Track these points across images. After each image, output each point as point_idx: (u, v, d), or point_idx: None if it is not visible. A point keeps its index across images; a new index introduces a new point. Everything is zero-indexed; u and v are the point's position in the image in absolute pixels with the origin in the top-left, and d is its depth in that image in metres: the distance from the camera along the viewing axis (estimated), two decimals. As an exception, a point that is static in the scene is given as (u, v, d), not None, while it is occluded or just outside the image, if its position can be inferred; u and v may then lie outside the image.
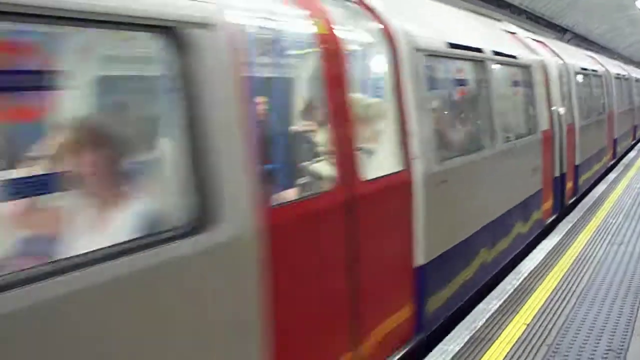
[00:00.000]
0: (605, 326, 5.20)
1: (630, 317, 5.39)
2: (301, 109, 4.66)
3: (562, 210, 10.39)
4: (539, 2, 19.23)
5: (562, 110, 10.20)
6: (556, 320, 5.36)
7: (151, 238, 2.58)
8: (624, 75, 20.13)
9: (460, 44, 6.17)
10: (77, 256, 2.28)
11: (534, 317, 5.49)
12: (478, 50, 6.67)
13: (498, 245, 6.96)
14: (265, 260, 3.09)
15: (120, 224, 2.71)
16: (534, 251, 7.90)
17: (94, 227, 2.73)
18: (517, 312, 5.62)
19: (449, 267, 5.54)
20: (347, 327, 4.00)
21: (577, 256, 7.56)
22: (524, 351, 4.78)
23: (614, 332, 5.08)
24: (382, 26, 4.83)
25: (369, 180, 4.18)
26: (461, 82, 7.02)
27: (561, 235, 8.61)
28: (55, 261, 2.28)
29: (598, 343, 4.87)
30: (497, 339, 5.01)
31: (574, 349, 4.77)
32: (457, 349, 4.82)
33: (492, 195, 6.77)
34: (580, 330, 5.13)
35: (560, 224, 9.46)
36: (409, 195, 4.76)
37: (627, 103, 20.18)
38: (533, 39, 10.56)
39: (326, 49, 4.00)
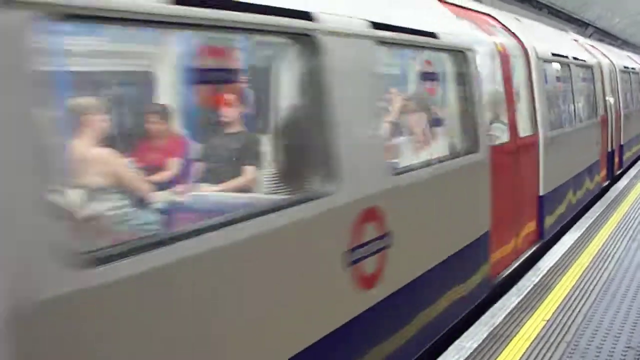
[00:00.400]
0: (624, 324, 5.27)
1: (650, 314, 5.46)
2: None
3: (612, 178, 13.31)
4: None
5: (612, 100, 13.38)
6: (575, 317, 5.43)
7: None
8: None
9: (557, 53, 9.44)
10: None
11: (553, 313, 5.55)
12: (565, 57, 9.97)
13: (577, 193, 10.00)
14: (490, 171, 5.84)
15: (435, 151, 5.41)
16: (554, 247, 7.96)
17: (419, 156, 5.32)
18: (536, 309, 5.68)
19: (556, 198, 8.62)
20: (515, 224, 7.12)
21: (597, 252, 7.62)
22: (542, 348, 4.85)
23: (634, 329, 5.14)
24: (520, 45, 7.81)
25: (521, 137, 7.20)
26: (558, 79, 9.78)
27: (582, 231, 8.67)
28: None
29: (617, 340, 4.94)
30: (515, 335, 5.09)
31: (592, 346, 4.85)
32: (475, 345, 4.90)
33: (575, 156, 9.98)
34: (599, 327, 5.20)
35: (581, 219, 9.52)
36: (537, 149, 7.76)
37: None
38: (589, 44, 13.86)
39: (504, 58, 7.12)
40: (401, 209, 4.21)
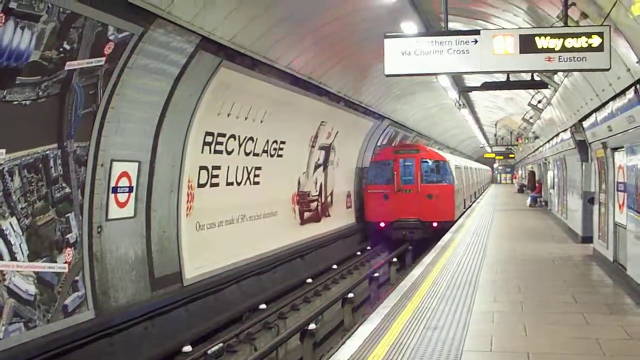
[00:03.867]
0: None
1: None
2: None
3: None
4: (356, 93, 22.98)
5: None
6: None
7: None
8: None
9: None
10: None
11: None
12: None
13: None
14: None
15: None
16: (352, 338, 8.91)
17: None
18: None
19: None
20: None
21: (393, 343, 8.65)
22: None
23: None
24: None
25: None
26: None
27: (377, 322, 9.75)
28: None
29: None
30: None
31: None
32: None
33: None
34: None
35: (378, 309, 10.69)
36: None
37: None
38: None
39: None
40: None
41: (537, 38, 8.78)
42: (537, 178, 41.03)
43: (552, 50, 8.71)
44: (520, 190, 56.82)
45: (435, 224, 26.74)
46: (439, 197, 27.32)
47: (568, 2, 9.39)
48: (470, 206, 39.14)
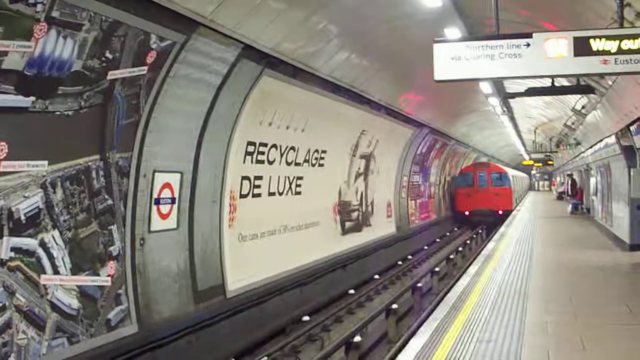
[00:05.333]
0: None
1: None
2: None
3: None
4: (396, 101, 22.69)
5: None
6: None
7: None
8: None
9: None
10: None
11: None
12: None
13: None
14: None
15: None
16: (403, 353, 8.58)
17: None
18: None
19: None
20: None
21: (446, 357, 8.30)
22: None
23: None
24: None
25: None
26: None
27: (428, 335, 9.39)
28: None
29: None
30: None
31: None
32: None
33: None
34: None
35: (426, 322, 10.33)
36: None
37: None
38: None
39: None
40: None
41: (592, 40, 8.36)
42: (578, 185, 40.30)
43: (608, 53, 8.29)
44: (560, 197, 55.96)
45: (500, 212, 40.25)
46: (502, 194, 42.09)
47: (624, 2, 8.96)
48: (519, 203, 52.61)
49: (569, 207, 38.60)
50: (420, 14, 14.16)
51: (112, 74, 9.13)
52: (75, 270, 9.07)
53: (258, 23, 11.37)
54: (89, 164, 9.26)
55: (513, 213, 39.98)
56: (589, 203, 33.74)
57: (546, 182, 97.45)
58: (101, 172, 9.51)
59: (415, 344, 8.99)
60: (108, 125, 9.42)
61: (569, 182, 42.59)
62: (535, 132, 42.80)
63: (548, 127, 39.03)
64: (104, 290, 9.55)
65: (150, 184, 10.54)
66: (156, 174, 10.65)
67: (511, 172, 50.24)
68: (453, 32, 13.87)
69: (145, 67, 9.67)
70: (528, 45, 8.56)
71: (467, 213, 41.72)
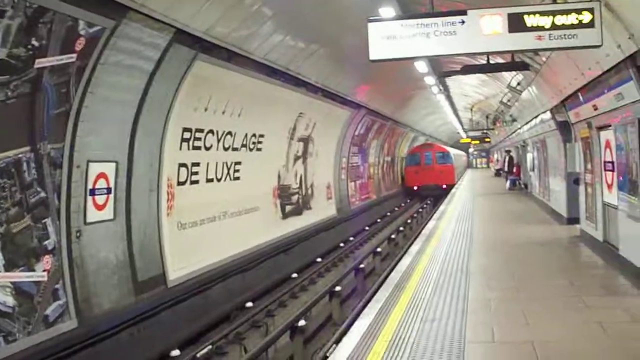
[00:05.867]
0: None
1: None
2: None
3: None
4: (333, 82, 22.54)
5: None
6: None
7: None
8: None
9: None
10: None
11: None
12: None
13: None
14: None
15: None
16: (348, 335, 8.58)
17: None
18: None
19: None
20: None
21: (392, 338, 8.33)
22: None
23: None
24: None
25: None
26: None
27: (373, 316, 9.41)
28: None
29: None
30: None
31: None
32: None
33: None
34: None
35: (370, 303, 10.36)
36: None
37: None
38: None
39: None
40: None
41: (526, 16, 8.40)
42: (515, 161, 40.95)
43: (542, 29, 8.35)
44: (498, 174, 56.81)
45: (444, 186, 45.98)
46: (445, 171, 48.09)
47: (556, -22, 9.05)
48: (460, 178, 58.00)
49: (507, 184, 39.20)
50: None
51: (40, 62, 8.89)
52: (9, 266, 8.85)
53: (190, 6, 11.19)
54: (19, 156, 9.01)
55: (452, 191, 40.48)
56: (527, 179, 34.32)
57: (484, 160, 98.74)
58: (32, 164, 9.27)
59: (360, 325, 8.99)
60: (37, 115, 9.17)
61: (507, 158, 43.17)
62: (471, 110, 43.34)
63: (484, 105, 39.53)
64: (40, 285, 9.34)
65: (84, 175, 10.31)
66: (90, 164, 10.43)
67: (453, 151, 55.66)
68: (387, 11, 13.83)
69: (75, 55, 9.43)
70: (463, 22, 8.57)
71: (415, 188, 48.22)
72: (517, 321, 8.86)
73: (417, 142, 56.99)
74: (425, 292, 10.88)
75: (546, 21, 8.33)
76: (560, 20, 8.28)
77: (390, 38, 8.73)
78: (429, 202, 42.46)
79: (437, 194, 44.28)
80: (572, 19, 8.25)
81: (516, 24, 8.43)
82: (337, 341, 11.81)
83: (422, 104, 40.32)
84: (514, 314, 9.25)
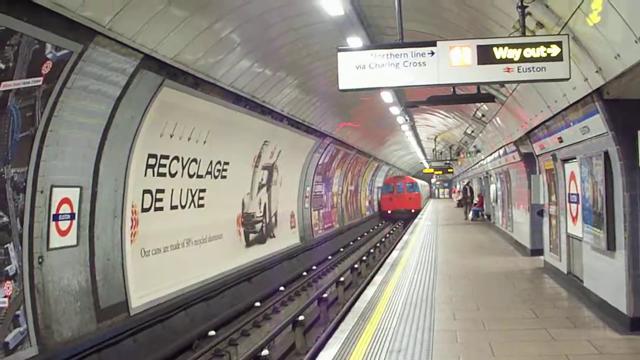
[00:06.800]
0: None
1: None
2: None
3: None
4: (299, 111, 22.74)
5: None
6: None
7: None
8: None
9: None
10: None
11: None
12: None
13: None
14: None
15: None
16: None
17: None
18: None
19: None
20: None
21: (358, 368, 8.35)
22: None
23: None
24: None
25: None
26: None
27: (338, 347, 9.39)
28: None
29: None
30: None
31: None
32: None
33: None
34: None
35: (335, 334, 10.35)
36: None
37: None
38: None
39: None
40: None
41: (495, 49, 8.55)
42: (478, 192, 41.32)
43: (510, 61, 8.50)
44: (460, 204, 57.23)
45: (413, 210, 55.19)
46: (414, 198, 57.37)
47: (525, 12, 9.22)
48: (425, 204, 68.22)
49: (470, 214, 39.49)
50: (323, 22, 14.25)
51: (6, 85, 8.82)
52: (-31, 292, 8.69)
53: (158, 33, 11.20)
54: (-18, 179, 8.89)
55: (415, 221, 40.71)
56: (490, 210, 34.63)
57: (446, 190, 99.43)
58: (-5, 188, 9.14)
59: (325, 356, 8.98)
60: (1, 138, 9.07)
61: (467, 190, 43.63)
62: (435, 140, 43.70)
63: (448, 136, 39.91)
64: (1, 312, 9.18)
65: (48, 200, 10.20)
66: (54, 189, 10.32)
67: (420, 182, 64.62)
68: (355, 41, 14.02)
69: (41, 78, 9.38)
70: (432, 53, 8.69)
71: (389, 212, 57.39)
72: (483, 353, 8.92)
73: (381, 171, 57.73)
74: (391, 322, 10.90)
75: (515, 54, 8.49)
76: (529, 52, 8.45)
77: (359, 67, 8.82)
78: (391, 231, 44.08)
79: (407, 217, 53.20)
80: (540, 51, 8.42)
81: (485, 56, 8.57)
82: (302, 371, 11.79)
83: (386, 133, 40.57)
84: (480, 345, 9.31)
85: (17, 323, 9.50)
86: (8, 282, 9.36)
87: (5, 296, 9.27)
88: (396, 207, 56.89)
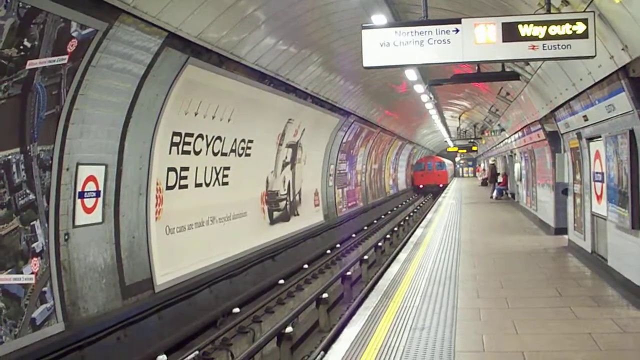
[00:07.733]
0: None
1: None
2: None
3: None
4: (323, 89, 22.56)
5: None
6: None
7: None
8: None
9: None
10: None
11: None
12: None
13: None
14: None
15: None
16: (337, 342, 8.58)
17: None
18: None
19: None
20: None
21: (381, 345, 8.34)
22: None
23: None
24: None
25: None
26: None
27: (361, 324, 9.42)
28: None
29: None
30: None
31: None
32: None
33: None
34: None
35: (358, 311, 10.36)
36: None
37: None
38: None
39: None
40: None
41: (520, 26, 8.47)
42: (503, 171, 41.09)
43: (535, 38, 8.41)
44: (484, 183, 56.98)
45: (440, 185, 63.74)
46: (442, 175, 66.07)
47: (550, -12, 9.10)
48: (450, 182, 73.18)
49: (494, 193, 39.31)
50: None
51: (32, 63, 8.85)
52: (-3, 268, 8.79)
53: (183, 10, 11.17)
54: (9, 157, 8.95)
55: (439, 200, 40.75)
56: (514, 188, 34.44)
57: (470, 169, 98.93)
58: (22, 166, 9.20)
59: (349, 333, 9.00)
60: (28, 116, 9.12)
61: (491, 168, 43.41)
62: (459, 118, 43.42)
63: (472, 114, 39.63)
64: (27, 288, 9.27)
65: (73, 177, 10.26)
66: (80, 166, 10.38)
67: (446, 160, 72.70)
68: (379, 18, 13.89)
69: (66, 56, 9.40)
70: (457, 31, 8.62)
71: (421, 186, 66.21)
72: (506, 331, 8.89)
73: (405, 150, 57.58)
74: (414, 300, 10.89)
75: (540, 31, 8.39)
76: (554, 30, 8.34)
77: (384, 45, 8.77)
78: (415, 210, 44.46)
79: (436, 190, 62.23)
80: (566, 29, 8.31)
81: (510, 33, 8.48)
82: (324, 348, 11.84)
83: (411, 112, 40.33)
84: (503, 323, 9.28)
85: (44, 299, 9.60)
86: (35, 259, 9.44)
87: (32, 273, 9.36)
88: (427, 182, 65.90)
